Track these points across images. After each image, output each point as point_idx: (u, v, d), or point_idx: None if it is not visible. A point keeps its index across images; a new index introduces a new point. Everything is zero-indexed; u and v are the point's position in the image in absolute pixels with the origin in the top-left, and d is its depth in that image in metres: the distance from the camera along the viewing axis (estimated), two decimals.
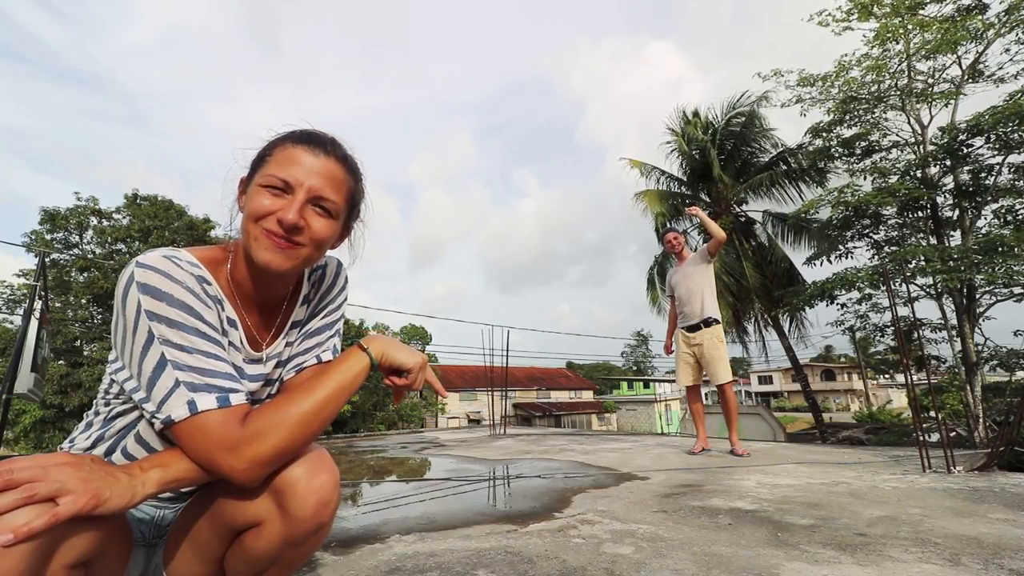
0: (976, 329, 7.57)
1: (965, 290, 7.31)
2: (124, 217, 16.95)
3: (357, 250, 0.99)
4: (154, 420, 0.72)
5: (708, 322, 3.99)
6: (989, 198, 7.54)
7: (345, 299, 1.04)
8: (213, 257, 0.86)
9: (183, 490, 0.81)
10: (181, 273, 0.75)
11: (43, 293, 3.94)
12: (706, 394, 21.28)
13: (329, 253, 0.93)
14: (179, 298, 0.74)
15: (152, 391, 0.72)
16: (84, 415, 0.90)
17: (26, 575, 0.55)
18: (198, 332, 0.75)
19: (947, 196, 7.99)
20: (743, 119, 13.14)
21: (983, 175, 7.57)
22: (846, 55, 8.66)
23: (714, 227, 3.92)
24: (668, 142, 14.21)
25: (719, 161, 12.94)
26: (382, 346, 0.86)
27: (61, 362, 14.97)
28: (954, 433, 7.19)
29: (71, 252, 16.45)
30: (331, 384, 0.79)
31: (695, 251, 4.28)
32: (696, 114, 14.06)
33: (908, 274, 7.28)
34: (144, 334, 0.72)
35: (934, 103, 8.18)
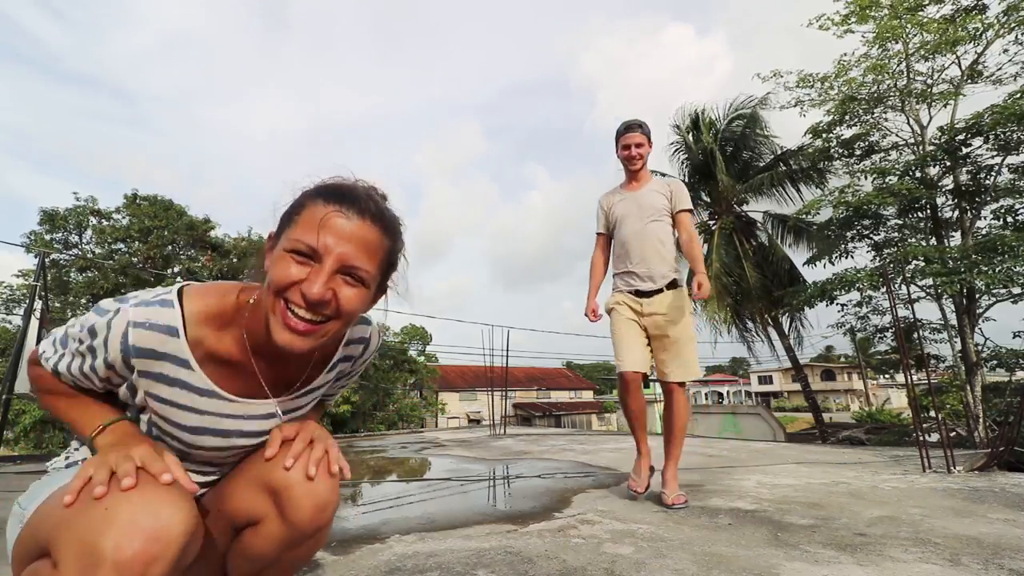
0: (976, 329, 7.58)
1: (965, 291, 7.32)
2: (124, 217, 16.94)
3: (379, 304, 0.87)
4: None
5: (672, 284, 2.46)
6: (988, 198, 7.55)
7: (366, 362, 1.00)
8: (221, 312, 0.79)
9: (198, 491, 0.81)
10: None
11: (43, 293, 3.94)
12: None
13: None
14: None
15: None
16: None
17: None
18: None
19: (947, 197, 8.01)
20: (744, 120, 13.12)
21: (982, 175, 7.58)
22: (846, 55, 8.68)
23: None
24: (672, 142, 14.20)
25: (723, 162, 12.90)
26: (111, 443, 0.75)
27: None
28: (954, 433, 7.18)
29: (70, 252, 16.44)
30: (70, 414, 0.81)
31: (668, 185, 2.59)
32: (702, 114, 14.00)
33: (908, 275, 7.28)
34: None
35: (933, 104, 8.20)
